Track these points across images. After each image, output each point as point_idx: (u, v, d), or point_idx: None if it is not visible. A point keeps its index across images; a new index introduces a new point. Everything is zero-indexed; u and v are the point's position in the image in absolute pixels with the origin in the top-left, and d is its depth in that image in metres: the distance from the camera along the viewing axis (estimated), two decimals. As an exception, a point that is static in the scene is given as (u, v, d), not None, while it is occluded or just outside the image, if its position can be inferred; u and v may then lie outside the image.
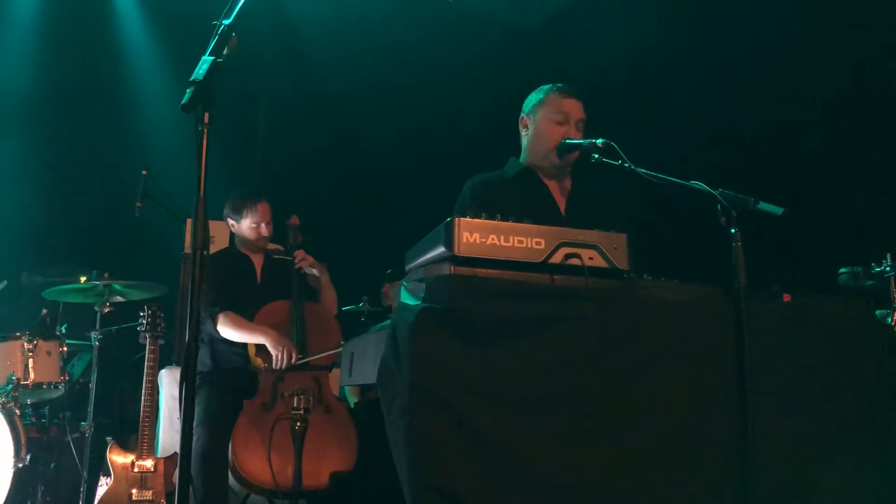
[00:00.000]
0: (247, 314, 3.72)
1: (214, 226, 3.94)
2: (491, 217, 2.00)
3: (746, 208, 2.14)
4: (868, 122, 4.68)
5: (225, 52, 2.08)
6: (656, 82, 5.72)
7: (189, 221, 3.90)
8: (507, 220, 2.01)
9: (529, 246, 2.00)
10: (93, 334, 4.22)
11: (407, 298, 1.99)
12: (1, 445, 3.80)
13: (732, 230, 2.13)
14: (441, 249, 1.97)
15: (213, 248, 3.97)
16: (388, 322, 2.07)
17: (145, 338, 3.91)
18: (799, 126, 4.90)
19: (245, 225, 3.95)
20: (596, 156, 2.55)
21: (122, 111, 6.42)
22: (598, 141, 2.57)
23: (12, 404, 3.98)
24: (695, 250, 3.93)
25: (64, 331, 4.46)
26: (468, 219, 1.97)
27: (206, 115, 2.02)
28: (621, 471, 1.94)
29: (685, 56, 5.43)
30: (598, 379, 1.97)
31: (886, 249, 3.72)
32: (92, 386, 4.13)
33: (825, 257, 4.21)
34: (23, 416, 4.17)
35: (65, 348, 4.35)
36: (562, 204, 2.90)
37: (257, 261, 4.03)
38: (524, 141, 2.97)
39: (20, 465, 3.83)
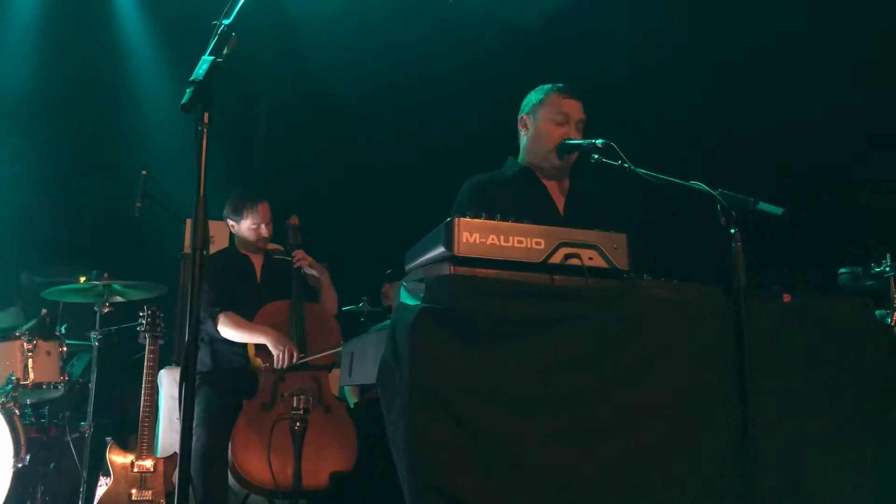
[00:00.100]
0: (247, 314, 3.72)
1: (214, 226, 3.93)
2: (491, 217, 2.00)
3: (746, 208, 2.13)
4: (867, 122, 4.68)
5: (225, 52, 2.08)
6: (656, 82, 5.72)
7: (189, 221, 3.90)
8: (507, 221, 2.01)
9: (529, 246, 2.00)
10: (92, 334, 4.22)
11: (407, 298, 1.99)
12: (0, 445, 3.80)
13: (732, 230, 2.13)
14: (441, 249, 1.97)
15: (213, 248, 3.97)
16: (387, 322, 2.07)
17: (145, 338, 3.91)
18: (799, 126, 4.90)
19: (245, 226, 3.95)
20: (596, 156, 2.55)
21: (122, 111, 6.42)
22: (597, 141, 2.57)
23: (12, 404, 3.97)
24: (695, 250, 3.93)
25: (64, 331, 4.46)
26: (468, 219, 1.96)
27: (206, 115, 2.02)
28: (621, 471, 1.94)
29: (685, 56, 5.43)
30: (598, 379, 1.96)
31: (886, 249, 3.73)
32: (91, 386, 4.13)
33: (825, 257, 4.21)
34: (22, 416, 4.16)
35: (64, 348, 4.34)
36: (560, 204, 2.90)
37: (257, 261, 4.03)
38: (523, 141, 2.96)
39: (20, 466, 3.83)
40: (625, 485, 1.93)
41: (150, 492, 3.68)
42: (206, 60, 2.03)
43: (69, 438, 4.30)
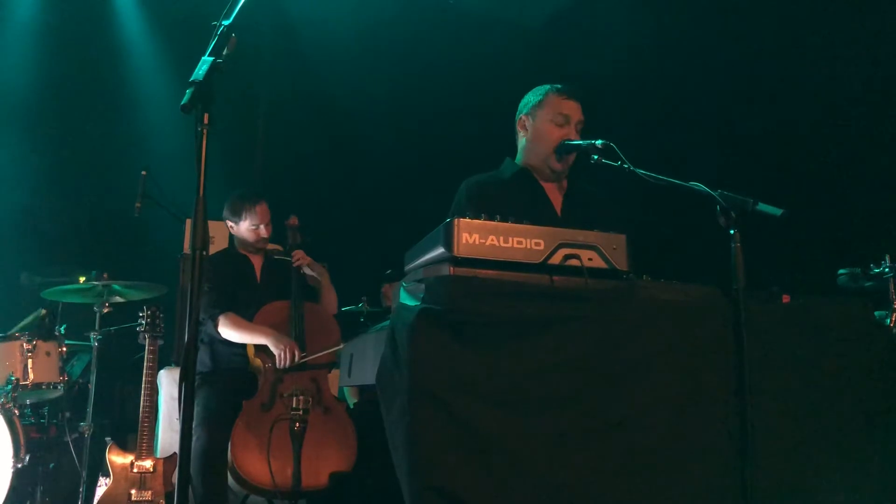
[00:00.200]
0: (247, 315, 3.72)
1: (214, 226, 3.94)
2: (490, 218, 2.00)
3: (746, 209, 2.13)
4: (868, 122, 4.68)
5: (225, 53, 2.08)
6: (656, 82, 5.72)
7: (188, 222, 3.91)
8: (507, 221, 2.01)
9: (529, 247, 2.00)
10: (92, 334, 4.22)
11: (406, 299, 1.99)
12: (0, 446, 3.80)
13: (732, 231, 2.13)
14: (440, 250, 1.96)
15: (212, 249, 3.99)
16: (387, 322, 2.07)
17: (144, 338, 3.91)
18: (799, 126, 4.90)
19: (244, 227, 3.94)
20: (595, 157, 2.54)
21: (122, 111, 6.43)
22: (597, 142, 2.56)
23: (11, 404, 3.97)
24: (694, 251, 3.93)
25: (63, 331, 4.46)
26: (467, 220, 1.96)
27: (206, 115, 2.02)
28: (621, 471, 1.94)
29: (685, 56, 5.44)
30: (598, 379, 1.96)
31: (886, 250, 3.73)
32: (91, 386, 4.13)
33: (825, 258, 4.22)
34: (22, 416, 4.16)
35: (64, 348, 4.34)
36: (558, 205, 2.89)
37: (257, 261, 4.02)
38: (521, 142, 2.94)
39: (19, 466, 3.83)
40: (625, 485, 1.93)
41: (150, 492, 3.68)
42: (205, 61, 2.03)
43: (69, 439, 4.29)
